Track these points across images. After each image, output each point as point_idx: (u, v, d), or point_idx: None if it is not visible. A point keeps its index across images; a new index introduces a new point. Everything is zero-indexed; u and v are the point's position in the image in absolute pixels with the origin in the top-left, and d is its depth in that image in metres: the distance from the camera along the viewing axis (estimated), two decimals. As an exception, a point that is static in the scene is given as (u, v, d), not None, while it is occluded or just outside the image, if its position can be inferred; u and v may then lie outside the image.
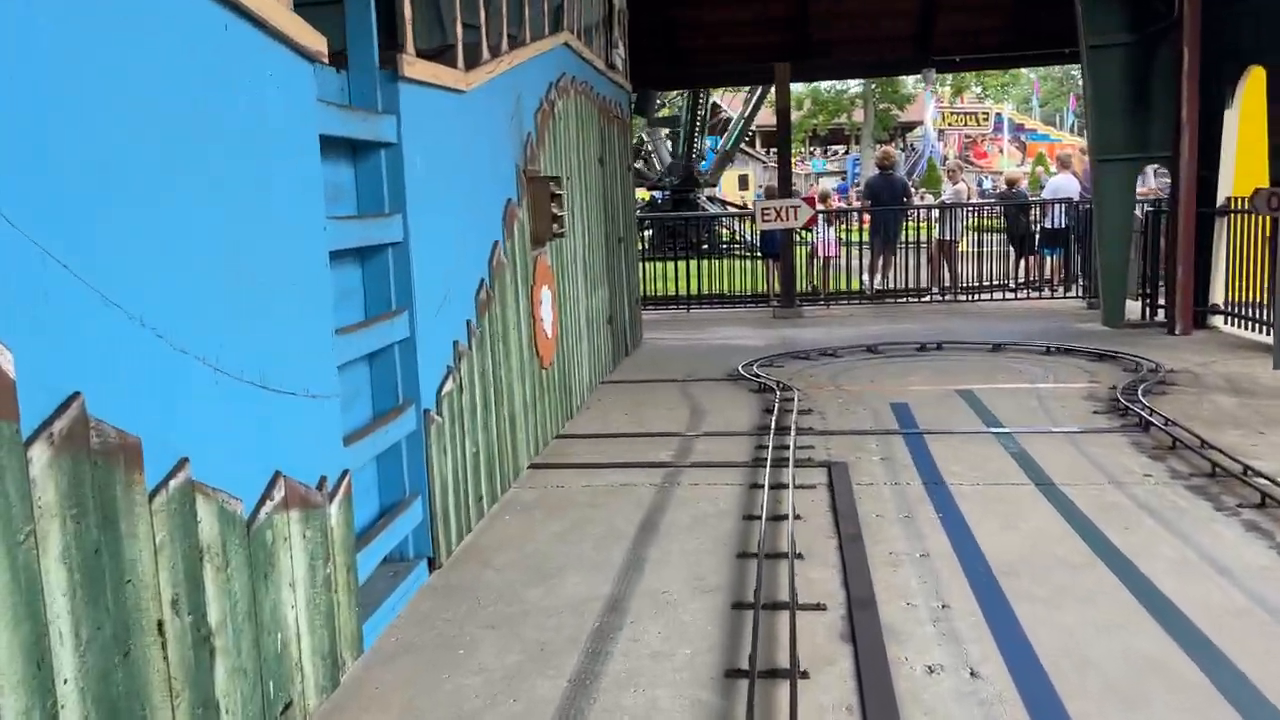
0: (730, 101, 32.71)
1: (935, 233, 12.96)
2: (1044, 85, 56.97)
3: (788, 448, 5.66)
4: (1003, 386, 7.38)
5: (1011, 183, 13.97)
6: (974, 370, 8.08)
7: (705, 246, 20.58)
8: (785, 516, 4.53)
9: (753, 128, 27.26)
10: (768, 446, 5.69)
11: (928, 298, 12.91)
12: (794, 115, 45.92)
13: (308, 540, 2.96)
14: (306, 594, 2.95)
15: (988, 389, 7.29)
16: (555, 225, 5.92)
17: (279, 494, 2.78)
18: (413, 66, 3.83)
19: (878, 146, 47.22)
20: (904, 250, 13.30)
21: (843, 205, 23.47)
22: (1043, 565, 3.96)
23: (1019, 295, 12.71)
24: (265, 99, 2.79)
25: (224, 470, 2.49)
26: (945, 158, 46.49)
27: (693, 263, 13.70)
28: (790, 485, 4.93)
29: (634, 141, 23.78)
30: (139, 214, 2.20)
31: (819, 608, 3.61)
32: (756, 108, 25.47)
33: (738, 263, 14.86)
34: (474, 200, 4.72)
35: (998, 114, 51.30)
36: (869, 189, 13.23)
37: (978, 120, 51.50)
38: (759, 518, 4.53)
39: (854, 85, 45.53)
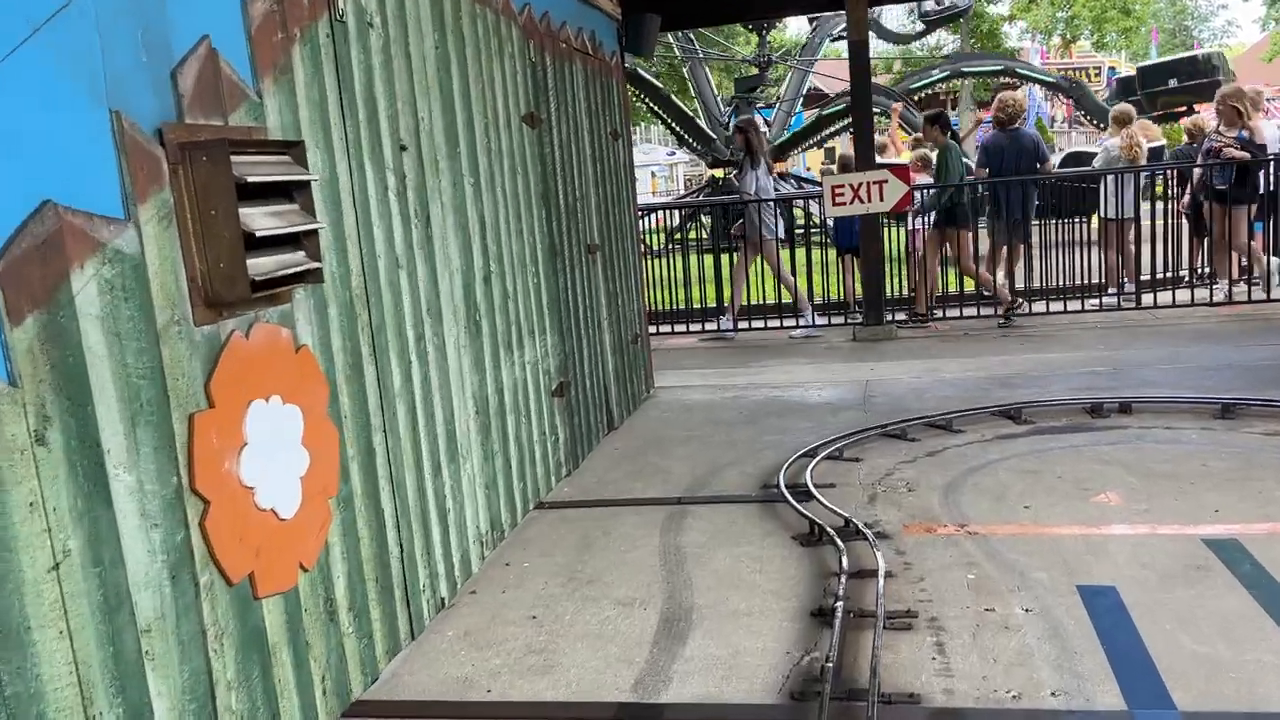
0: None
1: (1100, 209, 9.04)
2: (1160, 37, 51.16)
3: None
4: (1301, 528, 3.70)
5: (1198, 132, 9.96)
6: (1214, 472, 4.39)
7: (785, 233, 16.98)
8: None
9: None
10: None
11: (1077, 305, 9.03)
12: (882, 79, 41.57)
13: None
14: None
15: (1270, 536, 3.63)
16: (280, 258, 2.49)
17: None
18: None
19: (975, 110, 42.35)
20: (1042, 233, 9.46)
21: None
22: None
23: (1217, 297, 8.72)
24: None
25: None
26: (1054, 119, 41.71)
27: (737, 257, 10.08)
28: None
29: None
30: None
31: None
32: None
33: (814, 254, 11.16)
34: None
35: (1111, 68, 46.11)
36: (986, 153, 9.43)
37: (1089, 76, 46.44)
38: None
39: (949, 42, 40.87)
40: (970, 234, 8.97)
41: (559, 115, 5.22)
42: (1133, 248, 9.03)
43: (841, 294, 10.02)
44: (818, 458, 4.95)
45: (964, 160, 9.08)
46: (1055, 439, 5.10)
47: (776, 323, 9.42)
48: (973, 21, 37.97)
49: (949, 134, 9.14)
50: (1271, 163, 8.99)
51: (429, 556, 3.43)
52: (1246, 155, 8.33)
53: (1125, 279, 8.99)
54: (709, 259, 10.56)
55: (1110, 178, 8.89)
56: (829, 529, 3.86)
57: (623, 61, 6.80)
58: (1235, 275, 8.71)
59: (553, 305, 4.94)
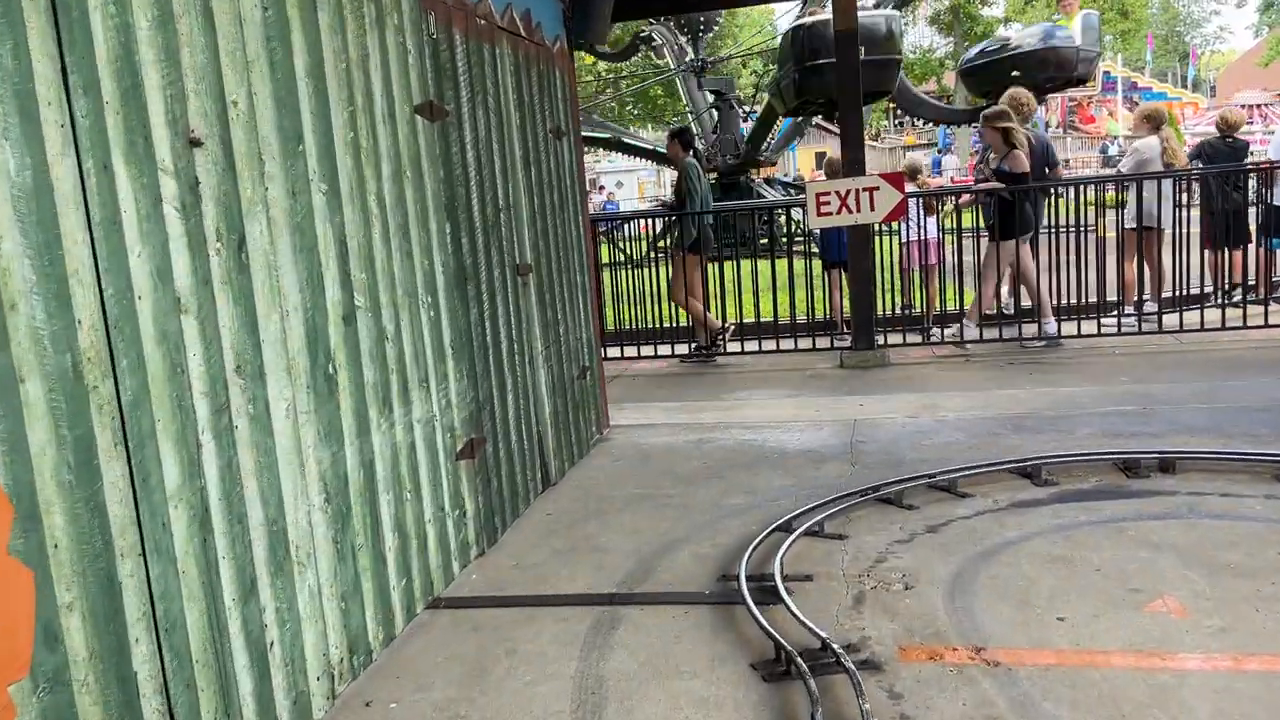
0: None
1: (1125, 219, 7.98)
2: (1154, 43, 50.52)
3: None
4: None
5: (1230, 128, 8.97)
6: (1298, 564, 3.41)
7: (765, 242, 15.97)
8: None
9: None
10: None
11: (1095, 326, 7.95)
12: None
13: None
14: None
15: (1403, 676, 2.65)
16: None
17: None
18: None
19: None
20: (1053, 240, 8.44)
21: (951, 185, 18.43)
22: None
23: (1250, 320, 7.71)
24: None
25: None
26: (1047, 124, 40.92)
27: (715, 270, 9.05)
28: None
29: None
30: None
31: None
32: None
33: (796, 266, 10.07)
34: None
35: (1106, 72, 45.42)
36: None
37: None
38: None
39: (942, 44, 40.02)
40: (702, 261, 8.25)
41: (474, 107, 4.23)
42: (1161, 262, 8.03)
43: (828, 313, 9.02)
44: (793, 534, 3.95)
45: (704, 180, 8.29)
46: (1085, 509, 4.12)
47: (754, 345, 8.42)
48: (965, 24, 37.15)
49: (690, 151, 8.33)
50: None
51: (229, 721, 2.43)
52: (1000, 185, 7.66)
53: (1148, 298, 8.01)
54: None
55: (1136, 184, 7.89)
56: (799, 658, 2.87)
57: (570, 48, 5.81)
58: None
59: (460, 343, 3.94)
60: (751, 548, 3.81)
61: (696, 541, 4.07)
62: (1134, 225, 7.90)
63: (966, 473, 4.59)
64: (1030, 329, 7.96)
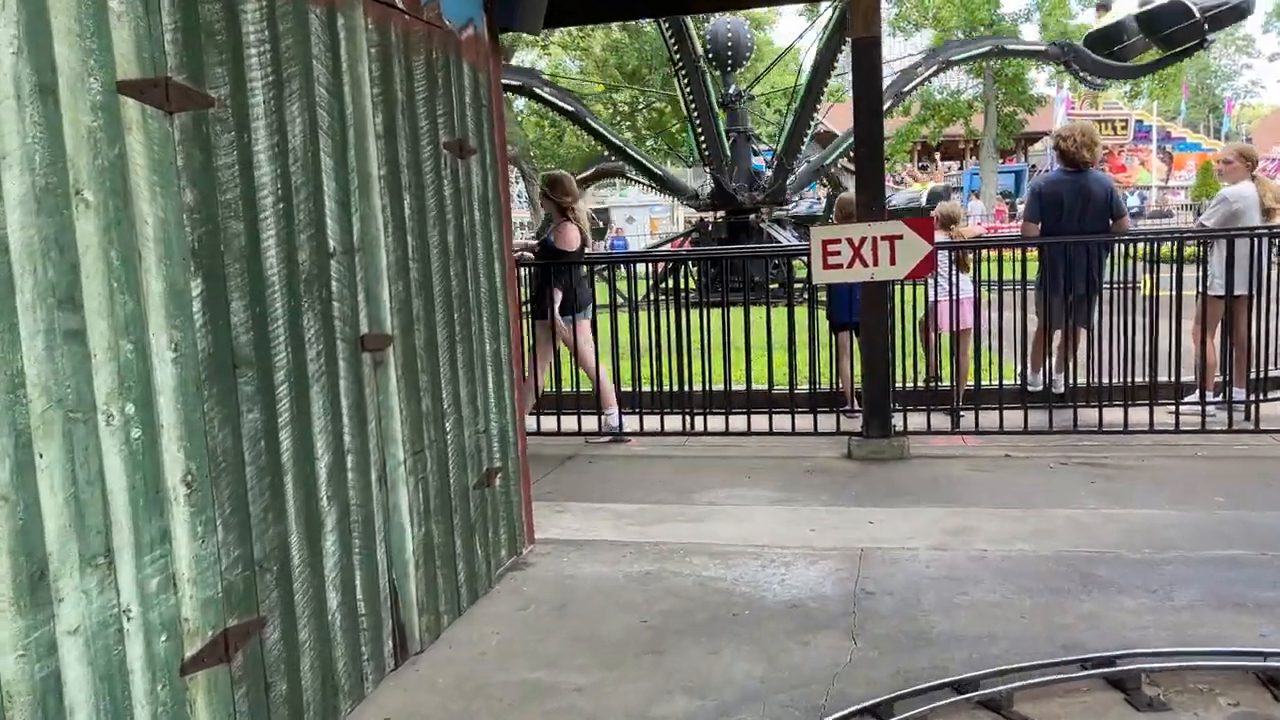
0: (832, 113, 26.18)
1: (1207, 284, 6.33)
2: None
3: None
4: None
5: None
6: None
7: (775, 286, 14.39)
8: None
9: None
10: None
11: (1171, 417, 6.28)
12: (899, 121, 39.26)
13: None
14: None
15: None
16: None
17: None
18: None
19: (997, 155, 39.85)
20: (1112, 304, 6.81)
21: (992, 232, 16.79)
22: None
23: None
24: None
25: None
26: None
27: (699, 323, 7.43)
28: None
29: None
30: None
31: None
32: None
33: (798, 317, 8.30)
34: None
35: (1139, 121, 43.93)
36: (1039, 202, 6.85)
37: (1115, 128, 44.33)
38: None
39: (970, 86, 38.61)
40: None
41: (281, 96, 2.73)
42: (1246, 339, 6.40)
43: (835, 383, 7.43)
44: (744, 810, 2.38)
45: None
46: (1228, 772, 2.53)
47: (742, 422, 6.82)
48: (995, 63, 35.69)
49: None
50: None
51: None
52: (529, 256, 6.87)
53: (1235, 384, 6.42)
54: (684, 312, 7.84)
55: (1225, 242, 6.31)
56: None
57: (493, 36, 4.32)
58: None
59: (211, 474, 2.41)
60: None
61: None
62: (1220, 293, 6.32)
63: (1025, 679, 3.00)
64: (1087, 415, 6.36)
